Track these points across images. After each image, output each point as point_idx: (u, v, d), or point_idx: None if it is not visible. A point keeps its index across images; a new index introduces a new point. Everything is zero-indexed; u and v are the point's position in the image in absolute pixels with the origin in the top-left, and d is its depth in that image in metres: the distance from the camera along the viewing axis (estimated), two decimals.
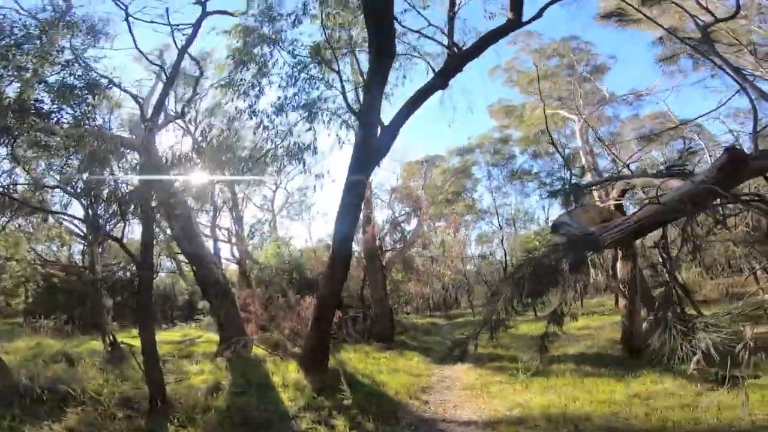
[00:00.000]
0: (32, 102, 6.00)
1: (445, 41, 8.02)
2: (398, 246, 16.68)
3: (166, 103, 13.10)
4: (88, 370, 6.52)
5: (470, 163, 27.80)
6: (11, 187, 6.94)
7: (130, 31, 6.79)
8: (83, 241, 15.47)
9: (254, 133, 7.95)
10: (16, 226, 15.90)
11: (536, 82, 15.10)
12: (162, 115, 12.15)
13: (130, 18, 6.82)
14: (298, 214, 26.53)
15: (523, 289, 3.67)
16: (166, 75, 6.18)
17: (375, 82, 7.52)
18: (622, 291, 7.77)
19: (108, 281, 9.79)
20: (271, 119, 7.79)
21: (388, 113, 8.45)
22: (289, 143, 7.81)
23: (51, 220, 14.10)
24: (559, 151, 12.78)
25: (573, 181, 5.25)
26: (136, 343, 10.55)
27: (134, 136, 9.19)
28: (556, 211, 33.90)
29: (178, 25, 6.76)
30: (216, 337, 10.83)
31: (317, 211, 39.81)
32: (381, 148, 8.06)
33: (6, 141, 6.27)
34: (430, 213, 20.33)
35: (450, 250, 21.58)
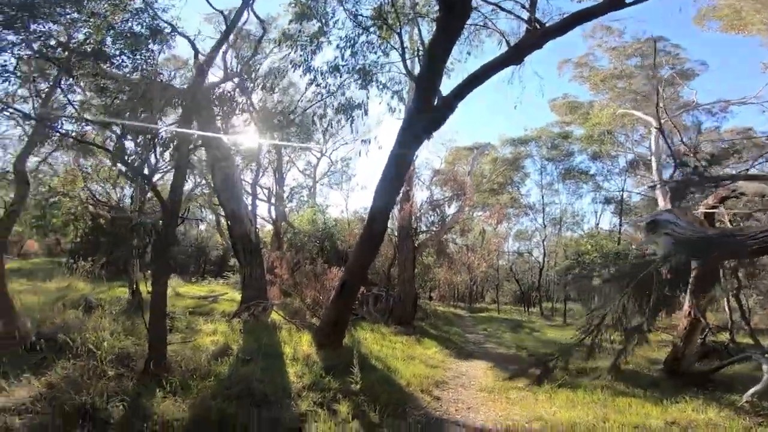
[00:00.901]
0: (97, 46, 5.92)
1: (525, 15, 7.12)
2: (434, 229, 16.04)
3: (227, 59, 13.14)
4: (101, 320, 6.50)
5: (523, 155, 26.48)
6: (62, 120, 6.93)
7: None
8: (132, 184, 15.99)
9: (306, 89, 7.51)
10: (77, 164, 16.82)
11: (610, 81, 13.72)
12: (221, 72, 12.16)
13: None
14: (338, 183, 26.60)
15: (647, 297, 2.95)
16: (226, 23, 5.81)
17: (440, 43, 6.78)
18: (695, 309, 6.87)
19: (133, 223, 9.83)
20: (325, 77, 7.31)
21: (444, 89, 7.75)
22: (340, 101, 7.32)
23: (106, 161, 14.45)
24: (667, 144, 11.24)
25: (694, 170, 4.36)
26: None
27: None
28: (607, 218, 31.90)
29: None
30: (239, 297, 10.84)
31: (357, 182, 40.13)
32: (437, 118, 7.41)
33: (67, 81, 6.30)
34: (474, 201, 19.53)
35: (488, 242, 20.73)
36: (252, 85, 12.13)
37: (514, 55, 7.15)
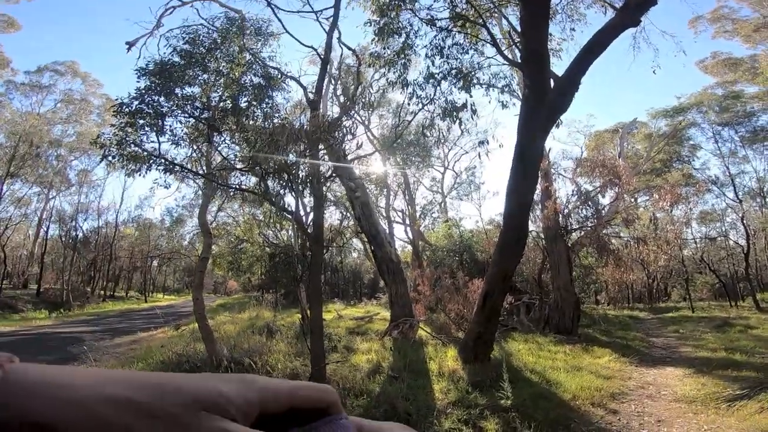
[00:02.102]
0: (232, 103, 7.23)
1: None
2: (589, 225, 14.01)
3: (332, 93, 14.48)
4: (279, 343, 7.52)
5: (684, 125, 21.83)
6: (218, 172, 8.26)
7: (282, 24, 7.55)
8: (293, 224, 18.70)
9: (408, 104, 7.59)
10: (251, 215, 20.66)
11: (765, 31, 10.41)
12: (331, 106, 13.48)
13: (277, 11, 7.41)
14: (467, 194, 26.06)
15: None
16: (320, 57, 6.43)
17: (529, 18, 6.15)
18: None
19: (289, 256, 11.29)
20: (423, 87, 7.33)
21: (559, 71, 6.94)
22: (443, 107, 7.19)
23: (269, 207, 17.24)
24: None
25: None
26: (328, 317, 12.10)
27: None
28: None
29: (321, 10, 7.01)
30: (389, 315, 11.34)
31: (487, 190, 38.72)
32: (557, 103, 6.63)
33: (218, 137, 7.75)
34: (633, 185, 16.64)
35: (663, 230, 17.21)
36: (364, 113, 13.00)
37: (627, 15, 5.99)
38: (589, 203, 13.72)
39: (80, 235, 27.64)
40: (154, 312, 19.37)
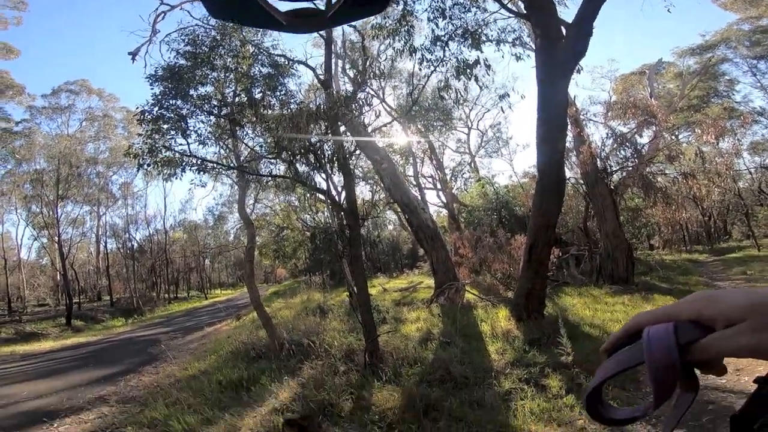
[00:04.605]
0: (247, 95, 7.26)
1: None
2: (630, 164, 13.18)
3: (341, 71, 14.14)
4: (332, 322, 7.75)
5: (715, 61, 20.69)
6: (248, 163, 8.39)
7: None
8: (327, 206, 18.96)
9: (419, 69, 7.30)
10: (286, 203, 21.13)
11: None
12: (343, 85, 13.22)
13: None
14: (495, 151, 25.29)
15: None
16: (323, 38, 6.27)
17: None
18: None
19: (328, 234, 11.44)
20: (431, 51, 6.99)
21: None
22: (457, 65, 6.84)
23: (302, 192, 17.50)
24: None
25: None
26: (373, 291, 12.32)
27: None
28: None
29: None
30: (433, 282, 11.36)
31: (516, 144, 37.64)
32: (573, 48, 6.48)
33: (238, 131, 7.85)
34: (671, 122, 15.54)
35: (712, 162, 15.94)
36: (377, 85, 12.64)
37: None
38: (627, 144, 12.91)
39: (135, 245, 29.56)
40: (215, 307, 20.62)
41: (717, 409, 3.06)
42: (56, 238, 22.82)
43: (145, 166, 6.11)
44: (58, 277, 25.58)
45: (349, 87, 13.11)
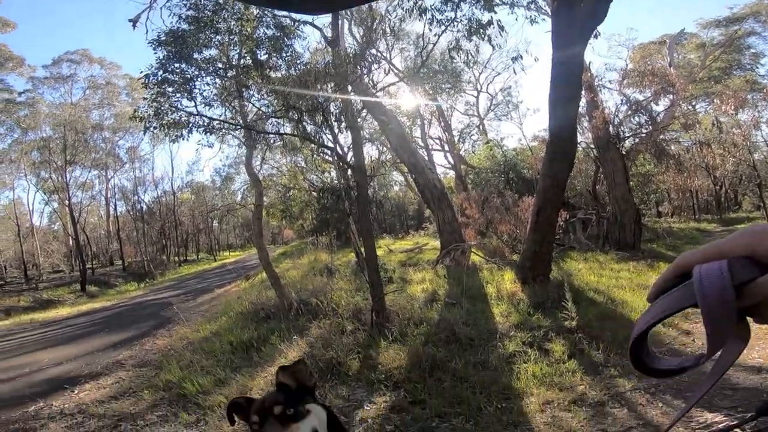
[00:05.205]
0: (252, 58, 7.07)
1: None
2: (644, 131, 12.83)
3: (348, 32, 13.50)
4: (339, 281, 7.86)
5: (742, 34, 19.69)
6: (255, 122, 8.35)
7: None
8: (335, 166, 18.80)
9: (429, 30, 6.94)
10: (293, 163, 20.99)
11: None
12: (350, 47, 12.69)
13: None
14: (505, 114, 24.73)
15: None
16: None
17: None
18: None
19: (334, 191, 11.41)
20: (441, 11, 6.61)
21: None
22: (469, 26, 6.49)
23: (309, 152, 17.26)
24: None
25: None
26: (379, 252, 12.42)
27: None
28: None
29: None
30: (439, 244, 11.42)
31: (527, 107, 36.94)
32: (593, 12, 6.16)
33: (244, 92, 7.73)
34: (689, 92, 15.00)
35: (729, 133, 15.45)
36: (384, 47, 12.14)
37: None
38: (642, 111, 12.55)
39: (144, 207, 29.93)
40: (224, 269, 21.08)
41: (721, 383, 3.11)
42: (66, 202, 23.52)
43: (152, 129, 6.10)
44: (71, 243, 26.36)
45: (357, 50, 12.67)
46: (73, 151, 22.98)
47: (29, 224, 28.28)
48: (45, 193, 25.85)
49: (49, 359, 6.39)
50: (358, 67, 5.21)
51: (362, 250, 5.88)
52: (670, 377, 0.45)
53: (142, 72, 6.08)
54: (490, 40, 6.42)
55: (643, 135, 12.35)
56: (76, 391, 4.61)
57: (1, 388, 5.03)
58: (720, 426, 2.17)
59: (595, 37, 7.11)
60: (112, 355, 6.20)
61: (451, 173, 21.91)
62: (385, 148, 21.09)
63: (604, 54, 34.67)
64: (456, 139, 20.33)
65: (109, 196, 29.87)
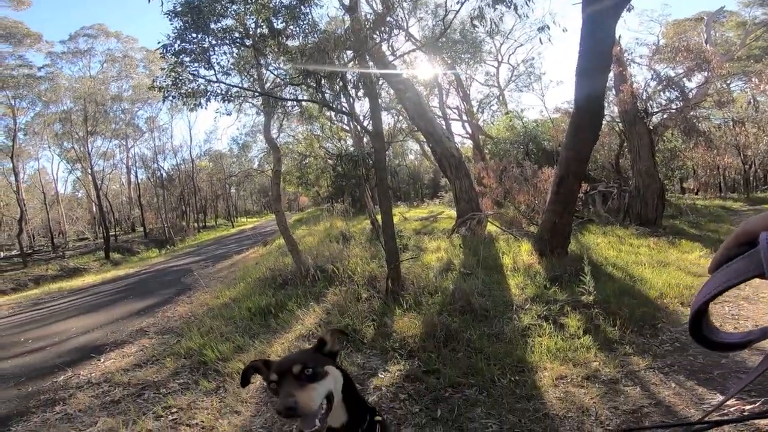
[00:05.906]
0: (268, 26, 6.92)
1: None
2: (674, 106, 12.23)
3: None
4: (354, 248, 7.89)
5: None
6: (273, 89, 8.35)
7: None
8: (351, 134, 18.74)
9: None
10: (309, 131, 20.89)
11: None
12: (366, 16, 12.24)
13: None
14: (527, 86, 23.94)
15: None
16: None
17: None
18: None
19: (352, 157, 11.31)
20: None
21: None
22: None
23: (326, 120, 17.11)
24: None
25: None
26: (395, 220, 12.40)
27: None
28: None
29: None
30: (454, 213, 11.35)
31: (550, 79, 35.71)
32: None
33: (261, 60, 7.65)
34: (725, 70, 14.07)
35: (765, 113, 14.55)
36: (402, 15, 11.66)
37: None
38: (673, 87, 11.94)
39: (164, 174, 30.51)
40: (242, 235, 21.52)
41: (728, 363, 3.08)
42: (89, 171, 24.50)
43: (170, 98, 6.15)
44: (95, 209, 27.35)
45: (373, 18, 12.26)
46: (93, 122, 23.88)
47: (54, 192, 29.42)
48: (68, 162, 26.96)
49: (77, 328, 6.62)
50: (377, 32, 5.00)
51: (378, 217, 5.87)
52: (733, 351, 0.43)
53: (159, 43, 6.08)
54: (516, 9, 6.04)
55: (673, 111, 11.86)
56: (102, 360, 4.78)
57: (34, 357, 5.25)
58: (747, 412, 2.16)
59: (629, 10, 6.68)
60: (135, 322, 6.41)
61: (469, 143, 21.53)
62: (401, 117, 20.75)
63: (635, 29, 33.28)
64: (475, 109, 19.81)
65: (129, 164, 30.78)
